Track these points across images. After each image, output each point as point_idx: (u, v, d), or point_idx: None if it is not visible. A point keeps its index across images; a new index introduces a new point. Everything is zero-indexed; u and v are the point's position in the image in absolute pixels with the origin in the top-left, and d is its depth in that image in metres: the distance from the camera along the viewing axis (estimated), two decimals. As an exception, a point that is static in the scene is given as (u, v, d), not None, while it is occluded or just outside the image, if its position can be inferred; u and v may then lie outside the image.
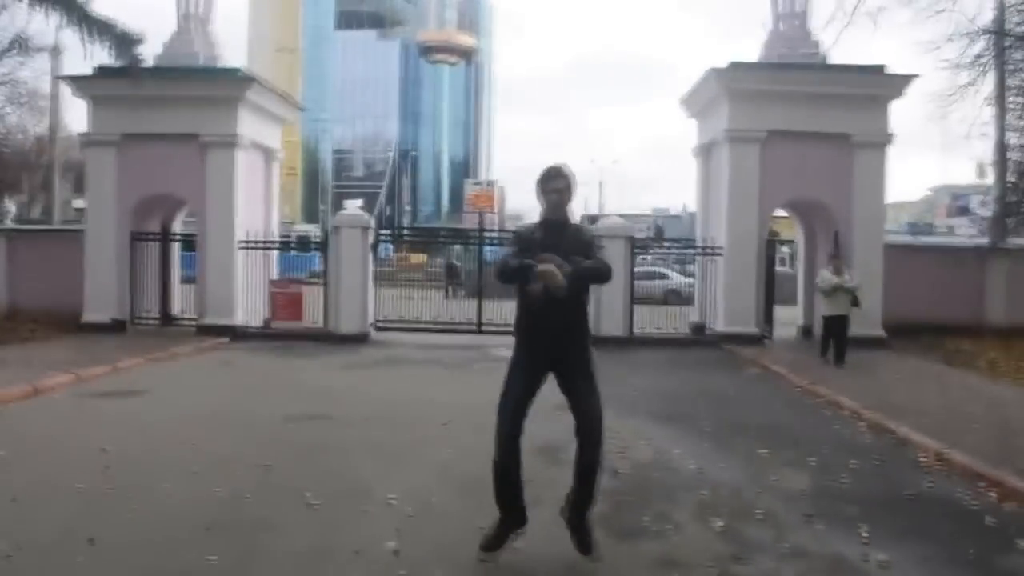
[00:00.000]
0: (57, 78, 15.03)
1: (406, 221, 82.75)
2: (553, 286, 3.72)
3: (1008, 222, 18.90)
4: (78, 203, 45.06)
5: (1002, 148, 18.53)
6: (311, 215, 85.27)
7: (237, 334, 14.50)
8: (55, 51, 24.36)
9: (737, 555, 4.38)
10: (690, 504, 5.31)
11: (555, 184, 4.07)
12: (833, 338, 12.35)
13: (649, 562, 4.24)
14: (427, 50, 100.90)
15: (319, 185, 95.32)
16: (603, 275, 3.98)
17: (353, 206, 39.10)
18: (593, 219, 31.36)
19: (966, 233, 34.14)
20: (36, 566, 3.97)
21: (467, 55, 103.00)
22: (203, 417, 7.82)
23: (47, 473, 5.73)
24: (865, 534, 4.77)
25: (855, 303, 12.34)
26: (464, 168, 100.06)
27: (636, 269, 16.41)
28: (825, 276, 12.50)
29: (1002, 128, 18.32)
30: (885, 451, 7.04)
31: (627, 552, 4.36)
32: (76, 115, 68.93)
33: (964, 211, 48.38)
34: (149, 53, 14.56)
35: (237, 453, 6.33)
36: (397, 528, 4.57)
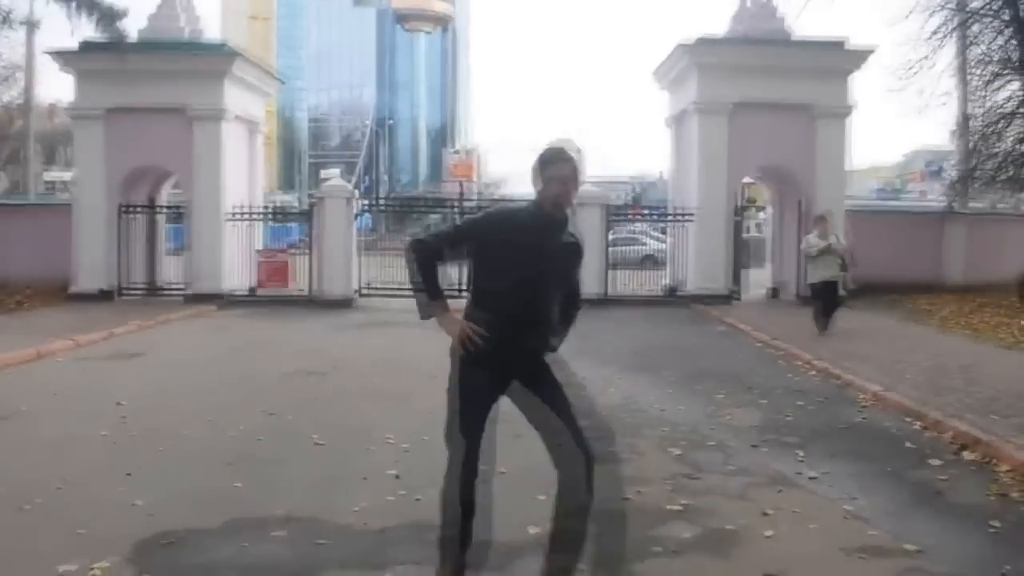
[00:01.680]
0: (45, 52, 15.17)
1: (384, 190, 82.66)
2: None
3: (973, 185, 19.85)
4: (49, 175, 44.73)
5: (964, 117, 19.36)
6: (288, 184, 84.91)
7: (225, 301, 15.03)
8: (31, 24, 24.29)
9: (690, 474, 5.11)
10: (653, 437, 6.03)
11: (559, 170, 3.07)
12: (824, 302, 11.58)
13: (616, 480, 4.94)
14: (403, 17, 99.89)
15: (295, 154, 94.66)
16: (573, 318, 3.41)
17: (332, 175, 39.35)
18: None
19: (938, 197, 35.24)
20: (85, 494, 4.58)
21: (443, 22, 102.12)
22: (205, 374, 8.44)
23: (70, 424, 6.32)
24: (801, 457, 5.52)
25: (844, 267, 11.53)
26: (441, 136, 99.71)
27: (614, 236, 17.12)
28: (811, 240, 11.76)
29: (964, 97, 19.15)
30: (829, 393, 7.83)
31: (598, 473, 5.05)
32: (47, 86, 67.84)
33: (938, 175, 49.47)
34: (133, 28, 14.87)
35: (243, 403, 6.96)
36: (396, 460, 5.23)
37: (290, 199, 45.56)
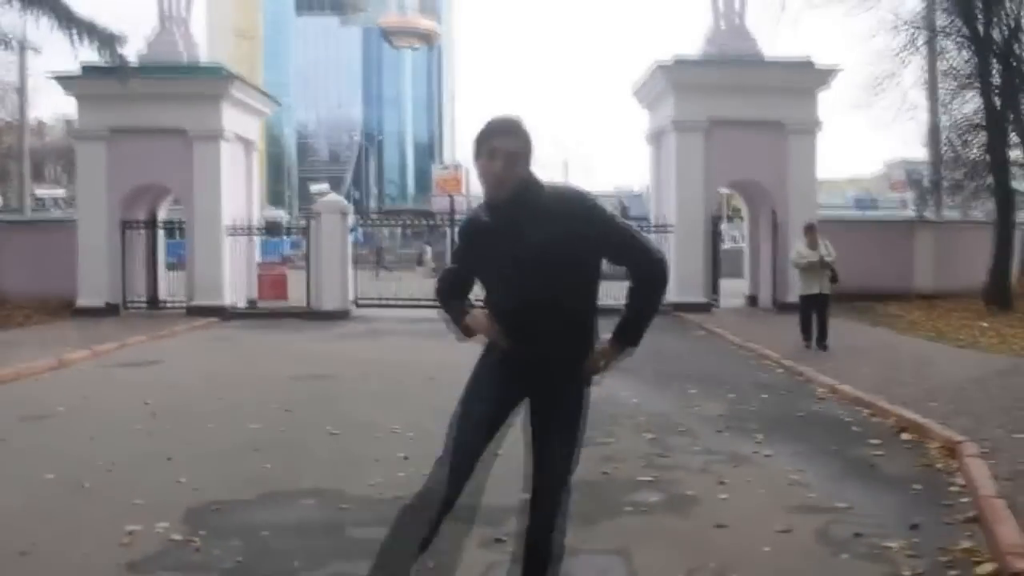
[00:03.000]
0: (49, 77, 15.84)
1: (372, 204, 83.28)
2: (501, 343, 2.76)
3: (940, 195, 20.80)
4: (39, 191, 45.05)
5: (935, 129, 20.34)
6: (276, 199, 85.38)
7: (226, 313, 15.67)
8: (24, 46, 24.91)
9: (660, 453, 5.84)
10: (629, 425, 6.76)
11: (502, 143, 2.63)
12: (816, 317, 10.98)
13: (596, 460, 5.62)
14: (389, 34, 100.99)
15: (283, 169, 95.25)
16: (660, 288, 2.82)
17: (322, 190, 40.04)
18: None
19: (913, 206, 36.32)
20: (133, 475, 5.26)
21: (429, 38, 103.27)
22: (220, 378, 9.11)
23: (105, 420, 6.98)
24: (759, 439, 6.26)
25: (834, 279, 10.91)
26: (428, 151, 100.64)
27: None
28: (800, 251, 11.16)
29: (935, 110, 20.14)
30: (792, 387, 8.61)
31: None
32: (37, 106, 68.17)
33: (917, 184, 50.62)
34: (132, 52, 15.57)
35: (260, 402, 7.65)
36: (403, 446, 5.91)
37: (280, 214, 46.12)
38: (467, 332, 2.82)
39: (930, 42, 18.57)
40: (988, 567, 3.74)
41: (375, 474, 5.17)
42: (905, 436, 6.40)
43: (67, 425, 6.80)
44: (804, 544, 4.10)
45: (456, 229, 2.61)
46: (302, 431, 6.48)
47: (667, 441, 6.21)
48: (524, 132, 2.65)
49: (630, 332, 2.81)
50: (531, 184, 2.68)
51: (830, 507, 4.65)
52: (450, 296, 2.93)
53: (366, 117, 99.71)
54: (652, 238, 14.30)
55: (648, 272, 2.78)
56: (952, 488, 5.02)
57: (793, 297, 15.68)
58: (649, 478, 5.19)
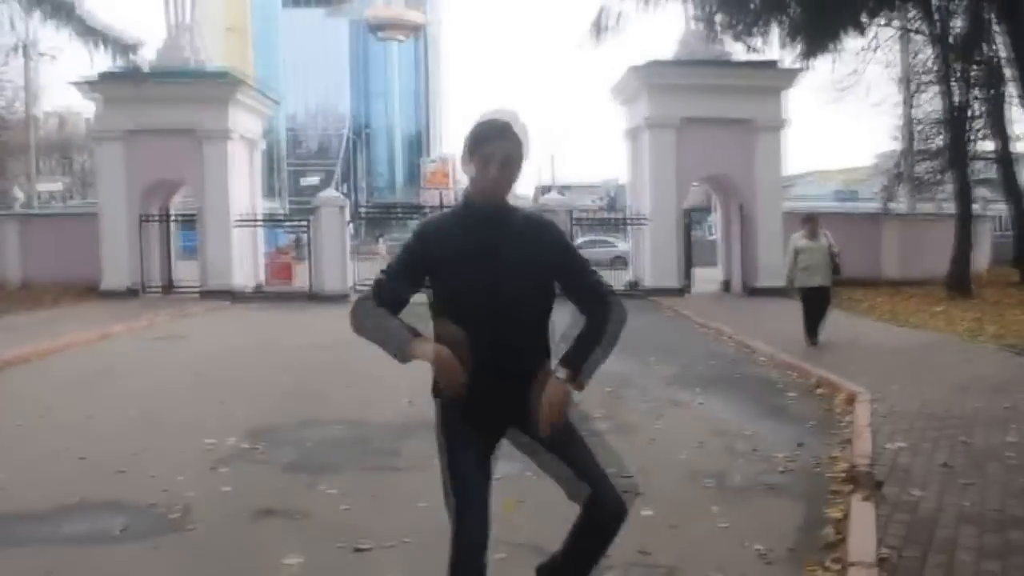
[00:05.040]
0: (70, 83, 17.08)
1: (362, 198, 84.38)
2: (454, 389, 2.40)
3: (903, 186, 22.15)
4: (40, 186, 46.10)
5: (908, 123, 21.62)
6: (267, 191, 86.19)
7: (236, 296, 17.00)
8: (28, 46, 26.01)
9: (615, 400, 7.24)
10: (591, 384, 8.12)
11: (500, 148, 2.42)
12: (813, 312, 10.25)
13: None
14: (376, 27, 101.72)
15: (274, 162, 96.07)
16: (616, 334, 2.59)
17: (312, 184, 41.15)
18: (547, 190, 34.04)
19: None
20: (196, 412, 6.62)
21: (417, 31, 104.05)
22: (245, 347, 10.50)
23: (158, 377, 8.37)
24: (698, 392, 7.67)
25: (837, 270, 10.21)
26: (417, 144, 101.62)
27: (583, 239, 19.22)
28: (797, 242, 10.24)
29: (909, 105, 21.37)
30: (737, 356, 10.04)
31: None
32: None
33: (885, 177, 52.08)
34: (144, 57, 16.84)
35: (281, 364, 9.04)
36: (406, 393, 7.22)
37: (275, 206, 47.25)
38: (405, 358, 2.46)
39: (902, 39, 19.72)
40: (842, 465, 5.14)
41: (386, 411, 6.55)
42: (820, 391, 7.79)
43: (130, 378, 8.19)
44: (712, 453, 5.51)
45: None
46: (323, 384, 7.86)
47: (622, 392, 7.61)
48: (517, 133, 2.42)
49: (577, 360, 2.52)
50: (511, 209, 2.50)
51: (739, 433, 6.06)
52: (385, 315, 2.47)
53: (354, 110, 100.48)
54: (629, 229, 15.58)
55: (600, 309, 2.54)
56: (841, 424, 6.41)
57: (762, 282, 17.23)
58: (600, 414, 6.59)
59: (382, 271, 2.51)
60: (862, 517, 3.82)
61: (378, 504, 4.24)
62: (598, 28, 16.23)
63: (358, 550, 3.60)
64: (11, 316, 13.23)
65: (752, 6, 8.39)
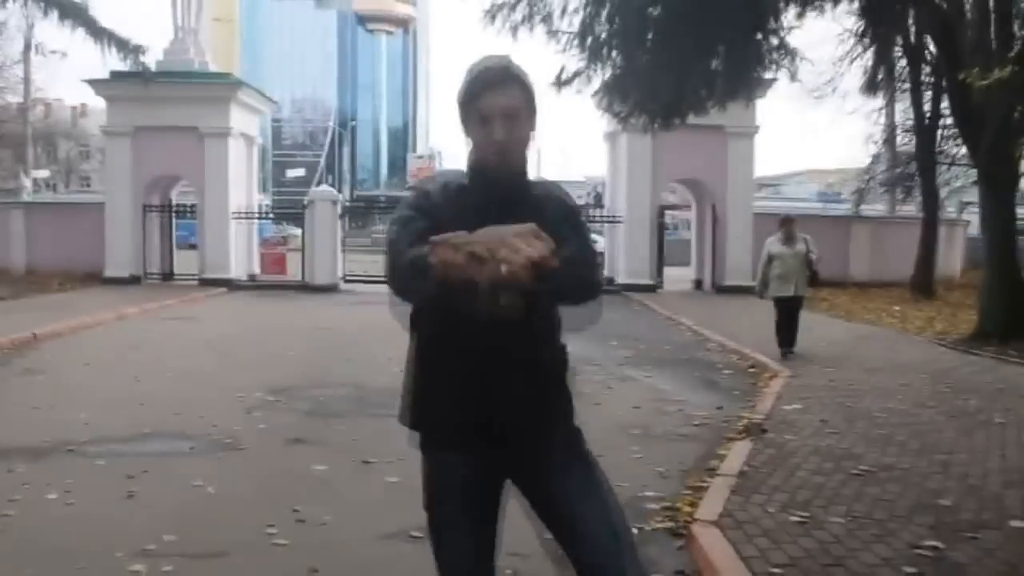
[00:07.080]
0: (82, 81, 18.15)
1: (346, 191, 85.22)
2: (504, 299, 1.86)
3: (871, 190, 23.36)
4: (38, 174, 46.82)
5: (891, 128, 22.72)
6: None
7: (232, 285, 18.15)
8: (28, 41, 26.94)
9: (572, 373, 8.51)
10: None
11: (503, 99, 1.94)
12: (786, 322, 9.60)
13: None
14: (364, 19, 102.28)
15: (259, 153, 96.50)
16: (591, 283, 2.10)
17: (296, 176, 42.16)
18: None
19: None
20: (225, 378, 7.85)
21: (404, 23, 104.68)
22: (251, 329, 11.72)
23: (181, 348, 9.59)
24: (647, 369, 8.98)
25: (813, 281, 9.74)
26: (403, 137, 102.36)
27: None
28: (771, 247, 9.53)
29: (892, 112, 22.44)
30: (690, 343, 11.37)
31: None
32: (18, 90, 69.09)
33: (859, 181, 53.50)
34: (150, 59, 17.97)
35: (287, 343, 10.28)
36: (399, 366, 8.46)
37: (262, 197, 48.22)
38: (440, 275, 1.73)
39: (878, 47, 20.69)
40: (746, 419, 6.43)
41: (382, 379, 7.76)
42: (752, 370, 9.13)
43: (159, 350, 9.48)
44: (645, 414, 6.81)
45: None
46: (325, 359, 9.14)
47: (580, 368, 8.84)
48: (518, 80, 1.99)
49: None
50: (527, 177, 2.08)
51: (672, 399, 7.38)
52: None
53: (340, 102, 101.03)
54: (605, 228, 16.77)
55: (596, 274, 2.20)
56: (759, 395, 7.73)
57: (731, 280, 18.49)
58: (561, 384, 7.86)
59: (390, 239, 1.95)
60: (739, 450, 5.14)
61: (378, 436, 5.49)
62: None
63: (366, 462, 4.91)
64: (25, 299, 14.33)
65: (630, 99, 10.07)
